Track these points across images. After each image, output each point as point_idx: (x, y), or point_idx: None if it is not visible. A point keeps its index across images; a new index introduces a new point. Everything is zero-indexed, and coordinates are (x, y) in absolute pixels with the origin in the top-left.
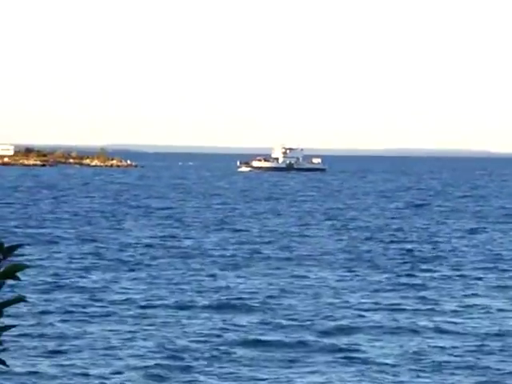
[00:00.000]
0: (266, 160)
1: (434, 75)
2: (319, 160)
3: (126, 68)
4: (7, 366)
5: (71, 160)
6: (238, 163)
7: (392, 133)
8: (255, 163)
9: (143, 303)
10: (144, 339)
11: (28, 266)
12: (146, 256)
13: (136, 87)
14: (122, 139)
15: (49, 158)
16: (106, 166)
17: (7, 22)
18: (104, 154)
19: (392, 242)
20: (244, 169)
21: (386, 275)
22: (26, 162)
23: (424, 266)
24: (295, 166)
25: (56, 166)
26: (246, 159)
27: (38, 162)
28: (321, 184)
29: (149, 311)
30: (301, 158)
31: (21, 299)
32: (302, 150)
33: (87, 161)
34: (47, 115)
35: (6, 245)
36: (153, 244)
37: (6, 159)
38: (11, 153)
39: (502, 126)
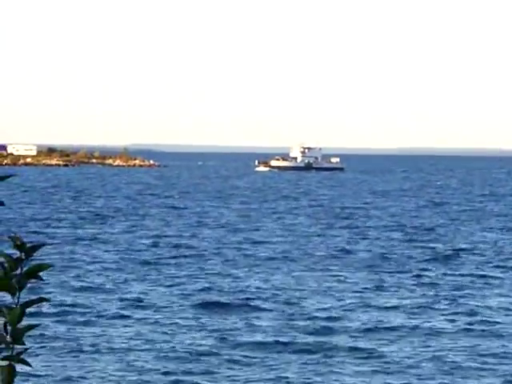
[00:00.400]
0: (284, 159)
1: (447, 75)
2: (338, 159)
3: (143, 69)
4: (30, 366)
5: (94, 160)
6: (256, 163)
7: (404, 132)
8: (273, 162)
9: (161, 303)
10: (164, 340)
11: (51, 266)
12: (165, 255)
13: (151, 87)
14: (141, 139)
15: (71, 158)
16: (129, 165)
17: (27, 22)
18: (126, 153)
19: (413, 240)
20: (262, 168)
21: (408, 274)
22: (48, 162)
23: (445, 266)
24: (314, 166)
25: (78, 166)
26: (265, 158)
27: (61, 162)
28: (340, 183)
29: (166, 311)
30: (319, 157)
31: (44, 299)
32: (320, 149)
33: (110, 161)
34: (69, 115)
35: (28, 244)
36: (172, 243)
37: (28, 159)
38: (34, 153)
39: None
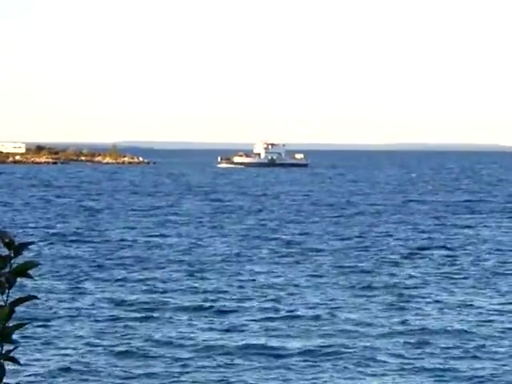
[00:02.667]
0: (247, 155)
1: (437, 68)
2: (302, 155)
3: (130, 67)
4: (20, 364)
5: (83, 157)
6: (219, 159)
7: (392, 127)
8: (236, 159)
9: (148, 306)
10: (174, 338)
11: (39, 264)
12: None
13: (139, 84)
14: (129, 136)
15: (60, 155)
16: (118, 163)
17: (22, 20)
18: (116, 151)
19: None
20: (224, 165)
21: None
22: (37, 159)
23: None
24: (277, 162)
25: (68, 164)
26: (228, 154)
27: (50, 160)
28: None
29: (157, 312)
30: (283, 154)
31: (32, 297)
32: (284, 145)
33: (99, 158)
34: (57, 113)
35: (16, 242)
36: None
37: (17, 157)
38: (23, 150)
39: (510, 119)
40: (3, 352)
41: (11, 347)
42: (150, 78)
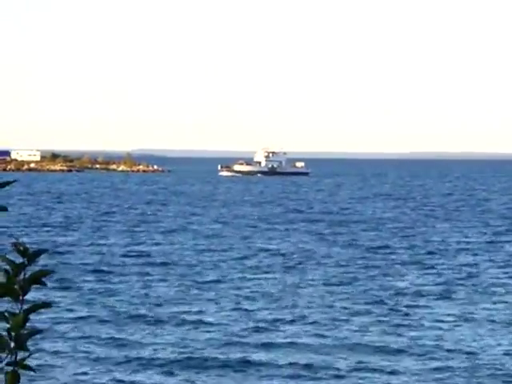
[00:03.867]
0: (247, 164)
1: (434, 74)
2: (302, 164)
3: (144, 75)
4: (34, 371)
5: (97, 165)
6: (219, 167)
7: (401, 137)
8: (237, 167)
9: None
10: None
11: (53, 272)
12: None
13: (153, 92)
14: (144, 144)
15: (75, 163)
16: (133, 171)
17: (28, 25)
18: (131, 159)
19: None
20: (225, 173)
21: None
22: (52, 167)
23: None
24: (278, 170)
25: (82, 172)
26: (229, 163)
27: (65, 168)
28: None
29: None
30: (284, 162)
31: (46, 305)
32: (285, 153)
33: (114, 166)
34: (71, 121)
35: (30, 250)
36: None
37: (32, 165)
38: (38, 158)
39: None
40: (18, 359)
41: (25, 354)
42: (160, 86)
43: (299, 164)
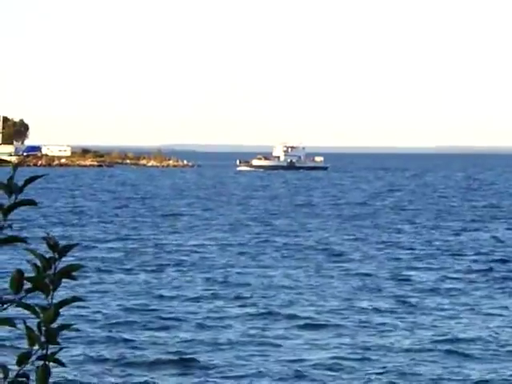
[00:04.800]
0: (266, 158)
1: (439, 73)
2: (321, 158)
3: (172, 71)
4: (64, 365)
5: (128, 161)
6: (238, 162)
7: (400, 132)
8: (255, 162)
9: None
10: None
11: (83, 266)
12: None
13: (180, 88)
14: (172, 140)
15: (105, 158)
16: (163, 166)
17: (51, 20)
18: (161, 154)
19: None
20: (244, 168)
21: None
22: (82, 162)
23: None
24: (297, 165)
25: (112, 167)
26: (248, 158)
27: (95, 163)
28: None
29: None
30: (302, 157)
31: (77, 299)
32: (303, 148)
33: (144, 161)
34: (102, 117)
35: (61, 244)
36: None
37: (63, 160)
38: (68, 153)
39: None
40: (49, 353)
41: (56, 349)
42: (193, 81)
43: (318, 158)
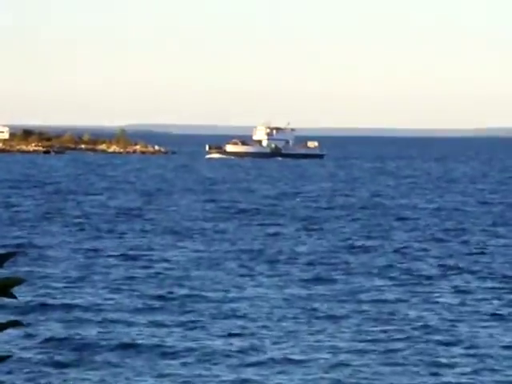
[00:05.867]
0: (244, 143)
1: (436, 49)
2: (316, 143)
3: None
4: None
5: (82, 145)
6: (207, 148)
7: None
8: (229, 147)
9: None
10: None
11: (24, 280)
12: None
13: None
14: (138, 119)
15: (54, 142)
16: (128, 152)
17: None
18: (124, 136)
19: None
20: (214, 155)
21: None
22: (24, 147)
23: None
24: (283, 151)
25: (63, 154)
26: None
27: (41, 148)
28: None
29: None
30: (291, 141)
31: (17, 324)
32: (292, 129)
33: (103, 146)
34: (49, 92)
35: None
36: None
37: None
38: (6, 136)
39: None
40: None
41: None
42: (160, 56)
43: (311, 144)
